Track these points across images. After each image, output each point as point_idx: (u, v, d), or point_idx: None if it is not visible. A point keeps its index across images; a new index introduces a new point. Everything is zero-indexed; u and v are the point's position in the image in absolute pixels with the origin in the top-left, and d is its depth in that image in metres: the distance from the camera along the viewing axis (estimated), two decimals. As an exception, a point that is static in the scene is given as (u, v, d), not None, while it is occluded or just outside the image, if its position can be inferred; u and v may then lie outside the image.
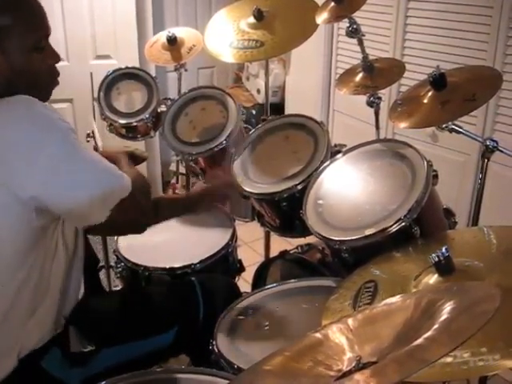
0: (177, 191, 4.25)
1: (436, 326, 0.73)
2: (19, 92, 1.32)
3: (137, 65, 3.31)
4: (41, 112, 1.28)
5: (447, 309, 0.78)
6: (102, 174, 1.33)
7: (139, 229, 1.54)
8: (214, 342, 1.51)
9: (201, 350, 1.57)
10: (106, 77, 2.61)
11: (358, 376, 0.67)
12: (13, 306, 1.33)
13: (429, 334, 0.71)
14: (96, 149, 2.42)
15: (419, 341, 0.70)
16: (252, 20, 2.26)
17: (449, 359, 0.92)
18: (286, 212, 1.89)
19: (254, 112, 4.06)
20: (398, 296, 0.99)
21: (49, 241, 1.37)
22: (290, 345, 0.94)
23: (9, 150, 1.22)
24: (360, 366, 0.77)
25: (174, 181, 4.33)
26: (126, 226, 1.49)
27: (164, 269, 1.96)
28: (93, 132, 2.19)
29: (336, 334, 0.91)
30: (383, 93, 2.12)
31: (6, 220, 1.25)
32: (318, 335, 0.94)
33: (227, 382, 1.26)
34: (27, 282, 1.34)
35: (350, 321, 0.94)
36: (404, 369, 0.64)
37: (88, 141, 2.44)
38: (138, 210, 1.45)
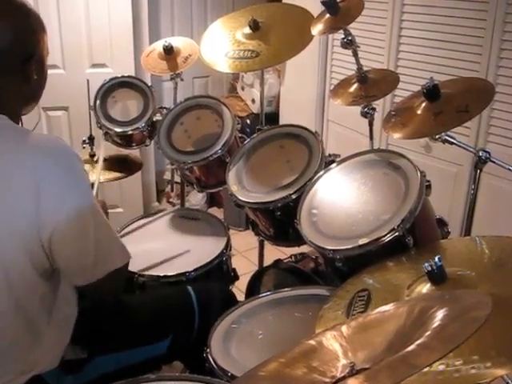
0: (171, 199, 4.26)
1: (428, 333, 0.74)
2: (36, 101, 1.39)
3: (132, 73, 3.31)
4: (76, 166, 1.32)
5: (439, 316, 0.79)
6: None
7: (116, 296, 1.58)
8: (208, 350, 1.52)
9: (195, 358, 1.57)
10: (103, 85, 2.62)
11: (351, 382, 0.68)
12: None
13: (421, 340, 0.72)
14: (93, 155, 2.43)
15: (411, 347, 0.71)
16: (248, 30, 2.27)
17: (441, 367, 0.93)
18: (280, 221, 1.90)
19: (248, 122, 4.07)
20: (391, 304, 1.00)
21: None
22: (285, 351, 0.95)
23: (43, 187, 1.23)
24: (353, 373, 0.78)
25: (168, 189, 4.34)
26: (110, 291, 1.52)
27: (158, 277, 1.96)
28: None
29: (330, 341, 0.92)
30: (377, 103, 2.13)
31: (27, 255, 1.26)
32: (312, 342, 0.94)
33: (221, 389, 1.26)
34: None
35: (344, 328, 0.95)
36: (396, 374, 0.65)
37: (84, 147, 2.46)
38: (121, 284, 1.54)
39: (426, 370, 0.91)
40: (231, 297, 1.96)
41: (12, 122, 1.30)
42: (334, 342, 0.91)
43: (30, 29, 1.33)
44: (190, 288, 1.81)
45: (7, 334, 1.29)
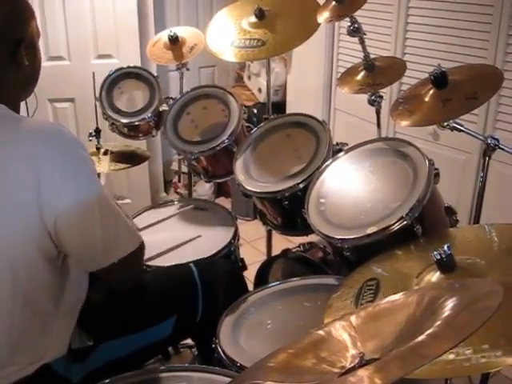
0: (178, 190, 4.26)
1: (438, 323, 0.73)
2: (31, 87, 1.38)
3: (138, 64, 3.31)
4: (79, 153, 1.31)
5: (449, 305, 0.78)
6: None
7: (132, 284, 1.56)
8: (216, 341, 1.52)
9: (204, 336, 1.57)
10: (109, 76, 2.62)
11: (361, 372, 0.68)
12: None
13: (431, 330, 0.72)
14: (99, 148, 2.44)
15: (422, 337, 0.70)
16: (253, 19, 2.27)
17: (451, 356, 0.92)
18: (288, 210, 1.90)
19: (255, 111, 4.06)
20: (401, 293, 0.99)
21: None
22: (294, 342, 0.95)
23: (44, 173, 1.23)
24: (363, 363, 0.78)
25: (175, 180, 4.34)
26: (124, 279, 1.50)
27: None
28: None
29: (339, 331, 0.91)
30: (384, 91, 2.12)
31: (35, 240, 1.26)
32: (320, 332, 0.94)
33: (230, 379, 1.26)
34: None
35: (353, 318, 0.94)
36: (407, 364, 0.64)
37: (90, 140, 2.46)
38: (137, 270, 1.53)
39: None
40: (237, 273, 1.97)
41: (9, 111, 1.29)
42: (343, 332, 0.91)
43: (17, 14, 1.31)
44: (191, 264, 1.80)
45: (16, 325, 1.30)
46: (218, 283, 1.78)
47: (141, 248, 1.45)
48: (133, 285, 1.51)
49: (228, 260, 2.08)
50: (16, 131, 1.26)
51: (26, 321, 1.31)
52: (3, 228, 1.22)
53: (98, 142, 2.48)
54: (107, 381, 1.28)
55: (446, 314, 0.76)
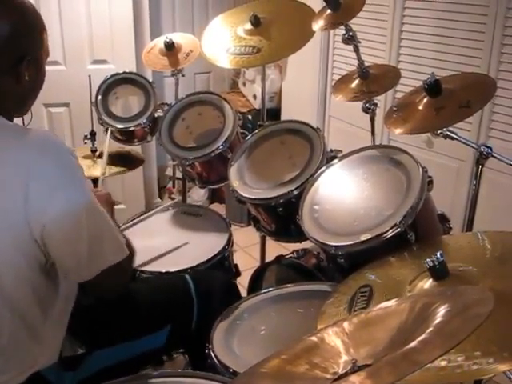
0: (172, 196, 4.26)
1: (430, 329, 0.74)
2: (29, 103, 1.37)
3: (134, 70, 3.31)
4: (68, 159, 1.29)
5: (441, 312, 0.79)
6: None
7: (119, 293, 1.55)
8: (210, 346, 1.52)
9: (197, 348, 1.57)
10: (104, 81, 2.63)
11: (353, 378, 0.68)
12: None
13: (423, 336, 0.72)
14: (94, 151, 2.44)
15: (414, 343, 0.71)
16: (249, 26, 2.28)
17: (443, 363, 0.93)
18: (282, 217, 1.90)
19: (250, 117, 4.07)
20: (393, 300, 1.00)
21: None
22: (286, 348, 0.95)
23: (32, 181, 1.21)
24: (355, 369, 0.78)
25: (169, 185, 4.34)
26: (109, 289, 1.47)
27: (160, 273, 1.96)
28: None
29: (332, 337, 0.92)
30: (378, 99, 2.13)
31: (23, 253, 1.25)
32: (313, 338, 0.95)
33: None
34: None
35: (346, 324, 0.95)
36: (399, 371, 0.65)
37: (85, 142, 2.47)
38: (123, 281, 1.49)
39: (428, 366, 0.91)
40: (232, 285, 1.97)
41: (3, 119, 1.28)
42: (335, 338, 0.91)
43: (24, 29, 1.29)
44: (187, 277, 1.80)
45: (4, 333, 1.28)
46: (213, 295, 1.78)
47: (128, 259, 1.42)
48: (118, 294, 1.49)
49: (223, 270, 2.08)
50: (6, 139, 1.25)
51: (15, 329, 1.30)
52: None
53: (93, 145, 2.48)
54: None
55: (437, 320, 0.76)
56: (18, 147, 1.24)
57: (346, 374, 0.77)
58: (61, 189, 1.24)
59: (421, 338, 0.72)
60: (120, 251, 1.39)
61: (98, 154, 2.48)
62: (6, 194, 1.20)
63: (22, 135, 1.26)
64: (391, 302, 0.98)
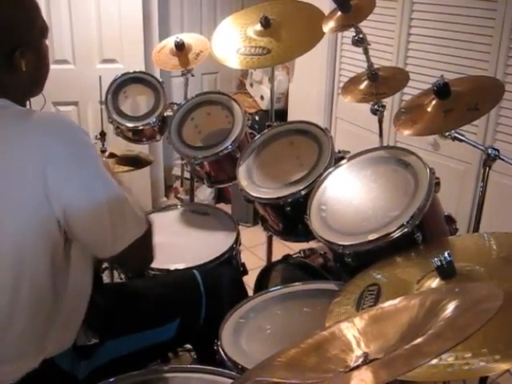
0: (179, 195, 4.29)
1: (440, 323, 0.76)
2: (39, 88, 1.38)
3: (142, 69, 3.34)
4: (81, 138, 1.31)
5: (451, 307, 0.81)
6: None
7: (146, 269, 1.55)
8: (218, 343, 1.54)
9: (204, 343, 1.59)
10: (114, 80, 2.64)
11: (366, 369, 0.70)
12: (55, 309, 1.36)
13: (433, 330, 0.74)
14: (104, 151, 2.46)
15: (425, 336, 0.73)
16: (259, 27, 2.29)
17: (450, 359, 0.95)
18: (290, 216, 1.92)
19: (257, 118, 4.09)
20: (403, 297, 1.02)
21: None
22: (299, 342, 0.97)
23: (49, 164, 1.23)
24: (367, 362, 0.80)
25: (176, 185, 4.37)
26: (135, 264, 1.50)
27: (168, 271, 1.98)
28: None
29: (343, 332, 0.94)
30: (386, 101, 2.15)
31: (44, 230, 1.26)
32: (325, 333, 0.96)
33: (231, 381, 1.28)
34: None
35: (357, 320, 0.96)
36: (410, 362, 0.67)
37: (95, 143, 2.48)
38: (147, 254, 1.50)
39: (435, 362, 0.93)
40: (239, 281, 1.99)
41: (12, 103, 1.29)
42: (347, 332, 0.93)
43: (19, 19, 1.29)
44: (196, 272, 1.83)
45: (21, 320, 1.30)
46: (221, 290, 1.81)
47: (148, 232, 1.43)
48: (146, 269, 1.50)
49: (230, 267, 2.10)
50: (19, 122, 1.26)
51: (31, 314, 1.31)
52: (9, 215, 1.23)
53: (103, 145, 2.50)
54: (112, 379, 1.30)
55: (447, 315, 0.78)
56: (28, 130, 1.25)
57: (358, 367, 0.79)
58: (77, 169, 1.26)
59: (431, 331, 0.74)
60: (142, 225, 1.41)
61: (107, 154, 2.50)
62: (26, 176, 1.22)
63: (32, 117, 1.28)
64: (401, 299, 1.00)
